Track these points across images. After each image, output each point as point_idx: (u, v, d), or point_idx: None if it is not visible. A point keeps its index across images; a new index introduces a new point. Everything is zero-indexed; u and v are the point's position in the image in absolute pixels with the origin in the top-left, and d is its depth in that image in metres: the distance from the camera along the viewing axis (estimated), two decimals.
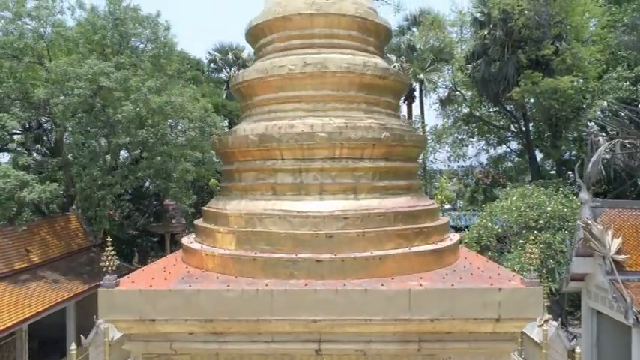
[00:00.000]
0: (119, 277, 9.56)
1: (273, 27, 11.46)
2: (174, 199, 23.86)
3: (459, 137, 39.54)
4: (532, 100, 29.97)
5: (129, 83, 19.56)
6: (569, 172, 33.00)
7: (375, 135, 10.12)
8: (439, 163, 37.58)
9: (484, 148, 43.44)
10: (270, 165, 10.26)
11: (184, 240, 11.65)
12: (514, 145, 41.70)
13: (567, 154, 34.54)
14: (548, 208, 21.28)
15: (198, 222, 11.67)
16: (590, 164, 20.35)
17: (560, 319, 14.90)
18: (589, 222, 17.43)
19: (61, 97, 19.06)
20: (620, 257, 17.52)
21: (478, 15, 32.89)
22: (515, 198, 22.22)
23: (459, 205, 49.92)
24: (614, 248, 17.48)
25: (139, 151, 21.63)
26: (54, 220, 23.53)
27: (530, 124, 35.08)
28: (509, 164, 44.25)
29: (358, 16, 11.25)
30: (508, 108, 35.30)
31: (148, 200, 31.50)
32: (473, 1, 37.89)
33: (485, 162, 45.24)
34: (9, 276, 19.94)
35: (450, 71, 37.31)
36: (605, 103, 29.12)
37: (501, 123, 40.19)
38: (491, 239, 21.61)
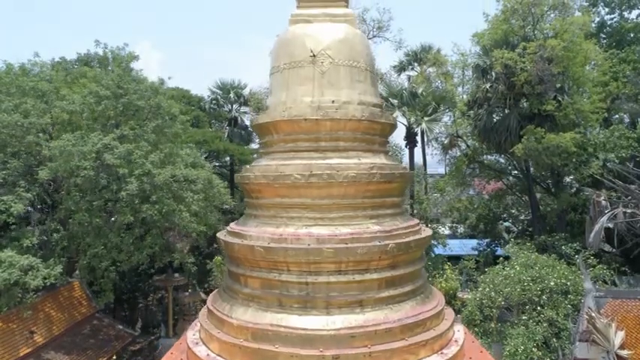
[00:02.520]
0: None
1: (279, 128, 11.53)
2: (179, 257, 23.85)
3: (461, 179, 39.57)
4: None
5: (132, 157, 19.68)
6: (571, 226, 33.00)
7: (381, 247, 10.15)
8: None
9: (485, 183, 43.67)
10: (277, 276, 10.27)
11: (189, 339, 11.62)
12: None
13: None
14: (552, 283, 21.24)
15: (203, 318, 11.66)
16: (593, 234, 20.45)
17: None
18: (593, 314, 17.33)
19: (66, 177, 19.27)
20: (624, 353, 17.34)
21: (480, 62, 33.09)
22: (518, 269, 22.21)
23: (459, 230, 49.78)
24: (617, 342, 17.30)
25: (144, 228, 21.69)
26: (57, 292, 23.25)
27: (532, 168, 35.22)
28: (510, 201, 44.46)
29: (364, 120, 11.32)
30: (510, 156, 35.42)
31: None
32: (474, 43, 38.17)
33: (487, 196, 45.36)
34: None
35: (452, 118, 37.46)
36: (607, 157, 29.17)
37: (502, 163, 40.38)
38: (494, 310, 21.54)
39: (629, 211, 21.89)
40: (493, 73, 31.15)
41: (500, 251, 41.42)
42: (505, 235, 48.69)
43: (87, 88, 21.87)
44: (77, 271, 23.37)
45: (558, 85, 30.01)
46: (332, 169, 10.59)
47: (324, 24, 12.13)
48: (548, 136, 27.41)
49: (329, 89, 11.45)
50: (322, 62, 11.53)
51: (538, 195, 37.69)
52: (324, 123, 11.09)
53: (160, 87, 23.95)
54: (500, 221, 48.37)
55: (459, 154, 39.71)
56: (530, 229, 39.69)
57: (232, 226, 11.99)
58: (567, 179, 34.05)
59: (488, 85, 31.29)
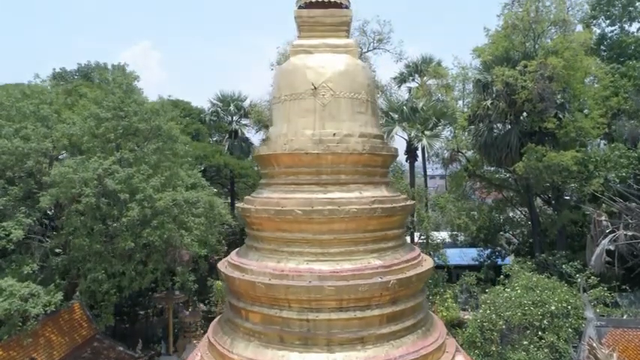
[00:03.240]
0: None
1: (280, 161, 11.53)
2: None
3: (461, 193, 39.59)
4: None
5: (133, 181, 19.69)
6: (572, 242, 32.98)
7: (383, 283, 10.13)
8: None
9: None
10: (278, 312, 10.24)
11: None
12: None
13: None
14: (552, 307, 21.19)
15: (204, 349, 11.63)
16: (594, 257, 20.48)
17: None
18: (594, 344, 17.24)
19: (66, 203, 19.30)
20: None
21: (481, 78, 33.15)
22: (519, 291, 22.14)
23: (460, 238, 49.76)
24: None
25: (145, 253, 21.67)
26: (58, 315, 22.91)
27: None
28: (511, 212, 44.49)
29: (365, 153, 11.31)
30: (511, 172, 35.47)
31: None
32: (474, 57, 38.21)
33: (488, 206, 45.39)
34: None
35: (453, 132, 37.53)
36: (607, 176, 29.18)
37: (502, 175, 40.41)
38: (495, 333, 21.46)
39: (629, 233, 21.88)
40: (494, 89, 31.20)
41: (500, 261, 41.61)
42: (506, 246, 48.72)
43: (88, 110, 21.87)
44: (78, 292, 23.35)
45: (559, 102, 30.08)
46: (333, 204, 10.58)
47: (325, 55, 12.15)
48: (549, 154, 27.44)
49: (330, 122, 11.45)
50: (323, 95, 11.54)
51: (538, 208, 37.76)
52: (326, 157, 11.08)
53: (160, 109, 23.95)
54: (501, 232, 48.37)
55: (459, 167, 39.75)
56: (530, 240, 39.73)
57: (233, 257, 11.95)
58: (568, 194, 34.09)
59: (489, 102, 31.34)
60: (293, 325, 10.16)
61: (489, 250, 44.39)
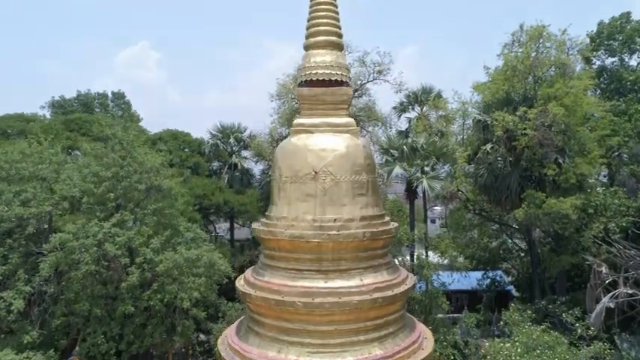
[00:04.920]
0: None
1: (281, 245, 11.50)
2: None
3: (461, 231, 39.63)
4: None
5: (133, 244, 19.72)
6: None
7: None
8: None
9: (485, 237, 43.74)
10: None
11: None
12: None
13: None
14: None
15: None
16: (594, 315, 20.42)
17: None
18: None
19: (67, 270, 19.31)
20: None
21: (481, 118, 33.27)
22: (519, 351, 21.93)
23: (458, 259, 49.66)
24: None
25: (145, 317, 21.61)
26: None
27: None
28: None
29: (365, 240, 11.29)
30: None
31: None
32: (474, 94, 38.41)
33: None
34: None
35: (452, 171, 37.60)
36: (608, 225, 29.18)
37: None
38: None
39: (630, 291, 21.85)
40: (494, 133, 31.30)
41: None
42: (505, 278, 48.70)
43: (87, 168, 21.90)
44: (77, 348, 23.21)
45: (558, 144, 30.15)
46: (334, 294, 10.56)
47: (326, 136, 12.15)
48: (549, 201, 27.46)
49: (331, 206, 11.44)
50: (324, 179, 11.54)
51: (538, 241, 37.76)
52: (327, 244, 11.06)
53: (160, 167, 23.97)
54: (501, 263, 48.45)
55: (458, 206, 39.81)
56: (530, 272, 39.73)
57: (234, 339, 11.86)
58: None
59: (489, 147, 31.46)
60: None
61: (489, 280, 44.48)
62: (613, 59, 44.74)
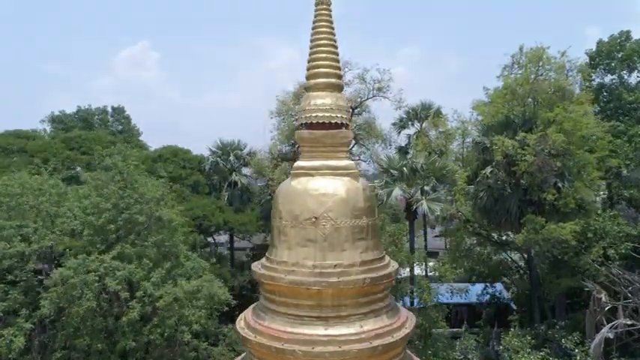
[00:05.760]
0: None
1: (281, 291, 11.51)
2: None
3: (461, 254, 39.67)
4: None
5: (134, 278, 19.75)
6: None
7: None
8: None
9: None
10: None
11: None
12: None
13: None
14: None
15: None
16: (593, 346, 20.46)
17: None
18: None
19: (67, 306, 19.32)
20: None
21: (479, 141, 33.42)
22: None
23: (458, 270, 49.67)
24: None
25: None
26: None
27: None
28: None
29: (365, 285, 11.30)
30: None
31: None
32: (474, 113, 38.54)
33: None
34: None
35: (452, 192, 37.71)
36: (607, 252, 29.25)
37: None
38: None
39: (629, 322, 21.88)
40: (494, 157, 31.40)
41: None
42: (505, 294, 48.71)
43: (87, 199, 21.95)
44: None
45: (557, 168, 30.23)
46: (334, 342, 10.59)
47: (326, 179, 12.16)
48: (549, 226, 27.52)
49: (331, 252, 11.46)
50: (324, 225, 11.56)
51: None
52: (327, 291, 11.08)
53: (161, 198, 24.03)
54: (501, 277, 48.44)
55: (458, 226, 39.87)
56: (529, 289, 39.72)
57: None
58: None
59: (488, 171, 31.59)
60: None
61: (488, 295, 44.51)
62: (612, 77, 44.98)
